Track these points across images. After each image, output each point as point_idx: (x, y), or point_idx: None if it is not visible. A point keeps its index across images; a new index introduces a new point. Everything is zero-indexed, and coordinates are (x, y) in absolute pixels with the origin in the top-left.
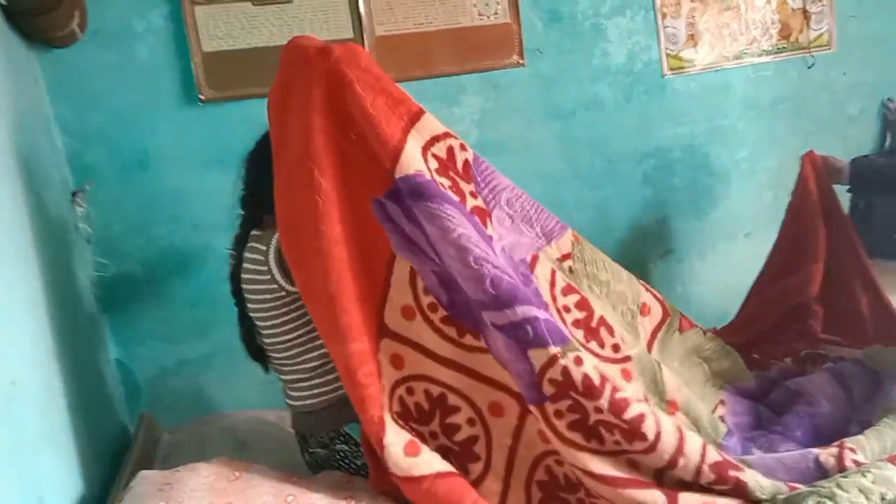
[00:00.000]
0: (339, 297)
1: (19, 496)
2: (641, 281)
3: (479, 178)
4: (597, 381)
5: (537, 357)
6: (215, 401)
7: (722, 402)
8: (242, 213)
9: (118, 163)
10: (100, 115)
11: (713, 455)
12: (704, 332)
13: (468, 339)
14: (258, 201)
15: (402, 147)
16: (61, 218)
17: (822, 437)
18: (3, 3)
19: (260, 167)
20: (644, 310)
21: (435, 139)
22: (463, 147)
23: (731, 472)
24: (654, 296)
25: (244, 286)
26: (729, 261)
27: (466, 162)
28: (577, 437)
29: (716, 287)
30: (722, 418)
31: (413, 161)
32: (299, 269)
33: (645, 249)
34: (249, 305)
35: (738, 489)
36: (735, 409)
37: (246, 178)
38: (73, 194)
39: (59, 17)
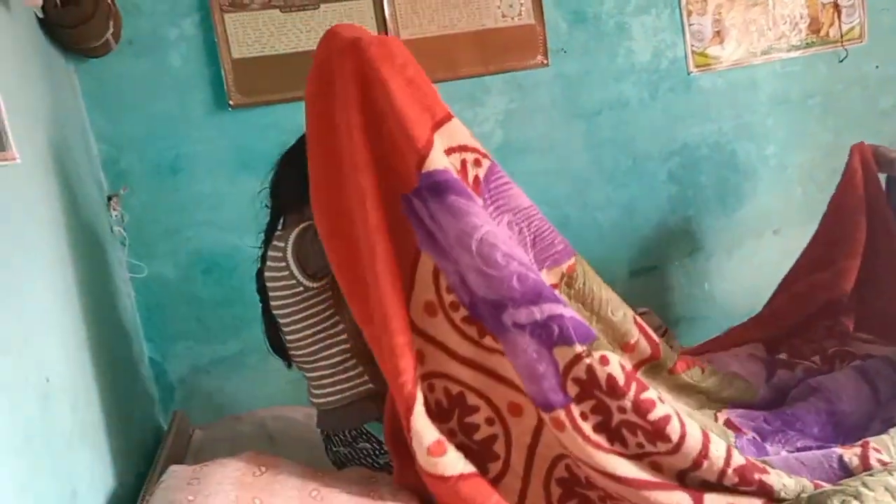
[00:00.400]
0: (385, 289)
1: (54, 488)
2: (641, 322)
3: (486, 196)
4: (621, 380)
5: (562, 355)
6: (246, 398)
7: (720, 410)
8: (269, 212)
9: (151, 168)
10: (133, 122)
11: (738, 458)
12: (703, 370)
13: (488, 341)
14: (284, 203)
15: (431, 146)
16: (97, 222)
17: (842, 435)
18: (41, 15)
19: (288, 169)
20: (626, 347)
21: (450, 150)
22: (477, 162)
23: (756, 475)
24: (648, 337)
25: (267, 283)
26: (757, 258)
27: (476, 178)
28: (601, 440)
29: (743, 285)
30: (727, 422)
31: (438, 158)
32: (341, 261)
33: (671, 247)
34: (272, 303)
35: (763, 490)
36: (738, 413)
37: (274, 178)
38: (109, 199)
39: (94, 28)
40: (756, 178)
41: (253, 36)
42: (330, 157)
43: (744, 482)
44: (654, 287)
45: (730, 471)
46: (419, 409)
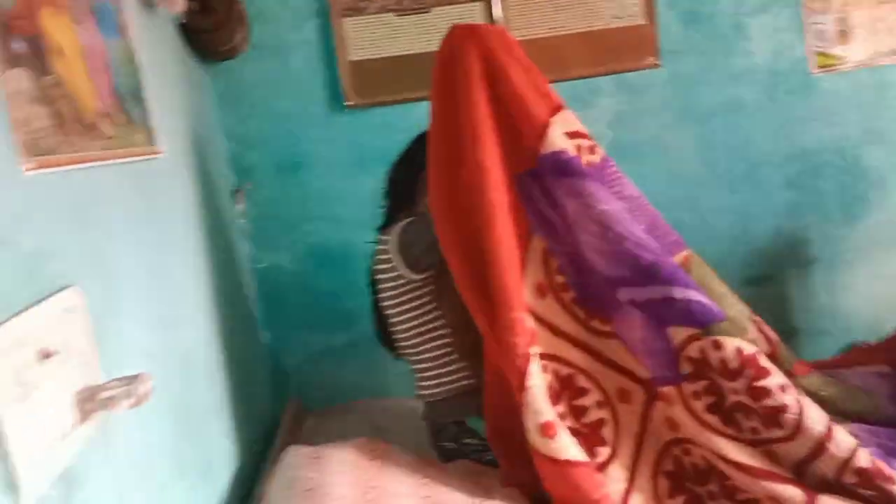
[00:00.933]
0: (503, 263)
1: (195, 456)
2: (758, 319)
3: (601, 182)
4: (734, 365)
5: (676, 335)
6: (357, 388)
7: (842, 423)
8: (383, 212)
9: (273, 164)
10: (258, 121)
11: (864, 459)
12: (824, 377)
13: (596, 324)
14: (395, 203)
15: (549, 127)
16: (225, 214)
17: None
18: (183, 21)
19: (401, 171)
20: None
21: (568, 135)
22: (591, 150)
23: (881, 482)
24: (767, 336)
25: (375, 277)
26: (882, 271)
27: (592, 164)
28: (714, 421)
29: (866, 298)
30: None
31: (557, 140)
32: (453, 240)
33: (788, 256)
34: (380, 295)
35: (886, 499)
36: (862, 427)
37: (388, 180)
38: (234, 193)
39: (227, 33)
40: (885, 185)
41: (369, 39)
42: (451, 136)
43: (864, 484)
44: (768, 297)
45: (852, 468)
46: (533, 384)
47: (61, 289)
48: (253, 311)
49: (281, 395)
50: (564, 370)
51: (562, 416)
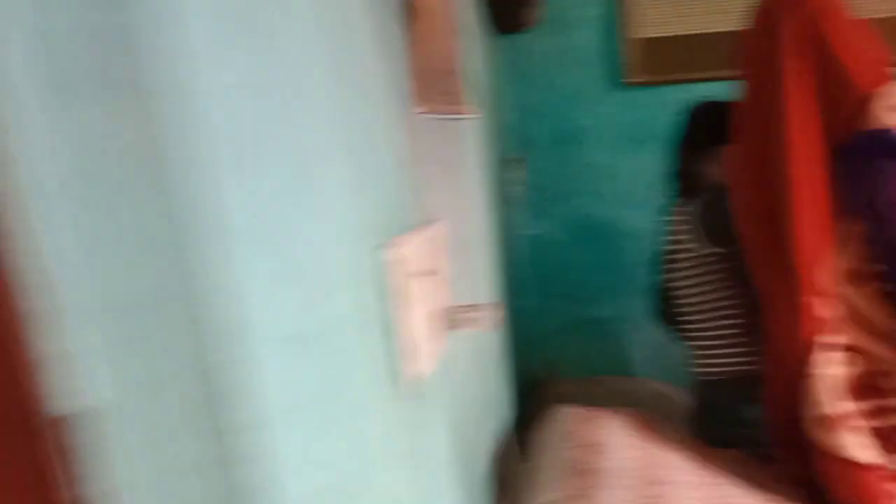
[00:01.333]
0: (798, 243)
1: (495, 396)
2: None
3: None
4: None
5: None
6: (603, 363)
7: None
8: (673, 187)
9: (551, 137)
10: (541, 94)
11: None
12: None
13: None
14: (688, 181)
15: (870, 100)
16: (506, 179)
17: None
18: None
19: (690, 144)
20: None
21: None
22: None
23: None
24: None
25: (668, 249)
26: None
27: None
28: None
29: None
30: None
31: (880, 114)
32: (747, 212)
33: None
34: (669, 266)
35: None
36: None
37: (678, 153)
38: (515, 161)
39: (524, 8)
40: None
41: (656, 16)
42: (760, 108)
43: None
44: None
45: None
46: (816, 373)
47: (436, 220)
48: (518, 274)
49: (534, 359)
50: (876, 366)
51: (866, 415)
